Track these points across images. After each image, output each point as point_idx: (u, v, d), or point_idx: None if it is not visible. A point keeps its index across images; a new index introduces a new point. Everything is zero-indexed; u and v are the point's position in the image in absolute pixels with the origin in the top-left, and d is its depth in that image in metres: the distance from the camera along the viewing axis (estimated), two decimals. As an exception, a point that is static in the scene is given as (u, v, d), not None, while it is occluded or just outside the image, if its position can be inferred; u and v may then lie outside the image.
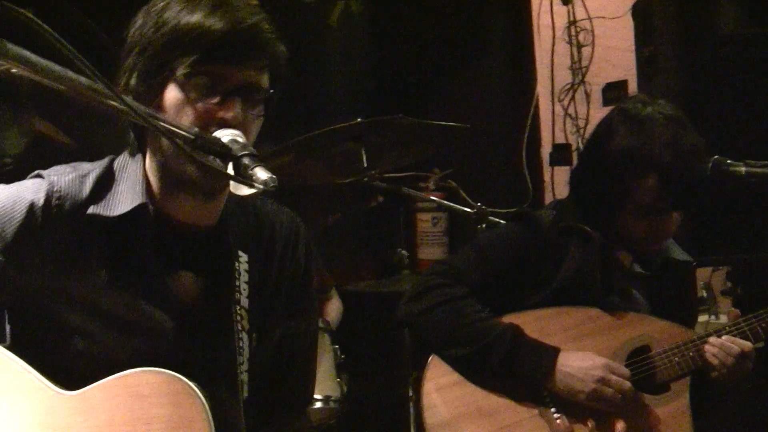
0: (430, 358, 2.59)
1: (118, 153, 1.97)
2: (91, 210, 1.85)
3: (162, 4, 1.80)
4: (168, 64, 1.76)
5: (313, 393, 2.24)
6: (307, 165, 3.31)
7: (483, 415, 2.51)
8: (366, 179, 3.13)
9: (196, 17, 1.74)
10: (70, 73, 1.16)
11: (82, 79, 1.19)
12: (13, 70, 1.00)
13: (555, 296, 2.60)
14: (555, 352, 2.50)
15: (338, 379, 3.53)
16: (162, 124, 1.56)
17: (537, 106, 4.58)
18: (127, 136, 1.94)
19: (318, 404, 3.44)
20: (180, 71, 1.74)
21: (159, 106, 1.77)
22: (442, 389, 2.56)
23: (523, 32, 4.65)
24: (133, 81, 1.79)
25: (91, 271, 1.85)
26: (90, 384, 1.77)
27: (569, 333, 2.58)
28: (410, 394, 3.50)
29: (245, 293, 1.97)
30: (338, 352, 3.58)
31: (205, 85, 1.75)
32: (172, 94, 1.77)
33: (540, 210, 2.84)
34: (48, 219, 1.82)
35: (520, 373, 2.49)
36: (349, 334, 3.83)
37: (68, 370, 1.81)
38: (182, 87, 1.75)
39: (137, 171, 1.89)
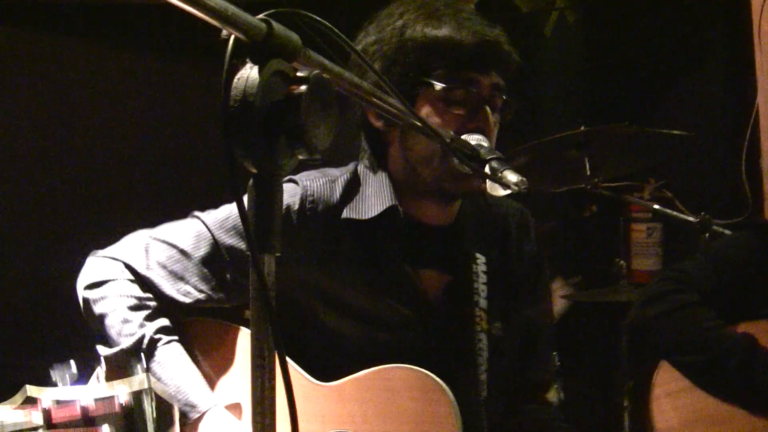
0: (659, 364, 2.59)
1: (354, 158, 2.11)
2: (344, 214, 1.99)
3: (401, 21, 1.93)
4: (421, 75, 1.90)
5: (554, 375, 2.30)
6: (528, 172, 3.35)
7: (715, 422, 2.47)
8: (588, 187, 3.15)
9: (445, 31, 1.88)
10: (351, 75, 1.26)
11: (362, 82, 1.29)
12: (324, 75, 1.10)
13: None
14: (791, 362, 2.44)
15: (555, 386, 3.53)
16: (427, 126, 1.68)
17: (757, 115, 4.42)
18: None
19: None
20: (438, 85, 1.89)
21: None
22: (672, 395, 2.54)
23: (742, 40, 4.51)
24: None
25: (342, 269, 1.98)
26: (338, 375, 1.87)
27: (803, 344, 2.51)
28: (625, 404, 3.48)
29: (483, 294, 2.05)
30: (555, 359, 3.59)
31: (460, 98, 1.90)
32: (428, 104, 1.91)
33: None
34: (303, 221, 1.97)
35: (754, 384, 2.44)
36: (565, 343, 3.84)
37: (319, 361, 1.93)
38: (442, 99, 1.90)
39: (382, 175, 2.02)
